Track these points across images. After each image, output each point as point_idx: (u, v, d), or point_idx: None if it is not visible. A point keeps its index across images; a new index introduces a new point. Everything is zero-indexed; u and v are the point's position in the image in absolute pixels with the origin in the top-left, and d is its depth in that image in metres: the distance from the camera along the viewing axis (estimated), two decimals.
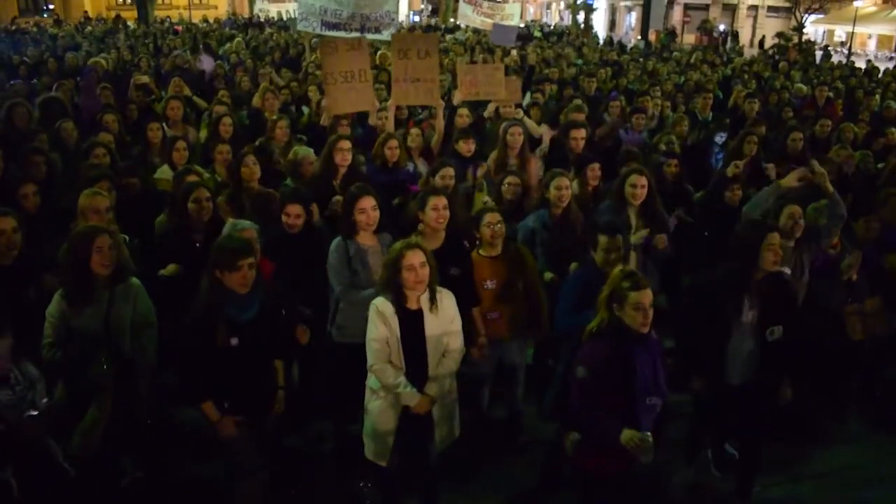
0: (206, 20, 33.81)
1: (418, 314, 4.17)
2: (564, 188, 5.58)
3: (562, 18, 52.92)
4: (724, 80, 14.64)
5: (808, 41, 35.91)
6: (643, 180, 5.59)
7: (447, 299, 4.28)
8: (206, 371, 4.09)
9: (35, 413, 3.42)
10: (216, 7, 48.24)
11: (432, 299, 4.17)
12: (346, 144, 6.18)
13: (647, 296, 3.79)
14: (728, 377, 4.63)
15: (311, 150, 6.66)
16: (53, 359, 4.14)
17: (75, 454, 3.86)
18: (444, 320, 4.23)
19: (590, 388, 3.84)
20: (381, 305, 4.14)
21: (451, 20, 34.93)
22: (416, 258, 4.06)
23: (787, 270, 5.22)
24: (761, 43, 39.71)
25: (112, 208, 5.03)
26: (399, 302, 4.13)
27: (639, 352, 3.83)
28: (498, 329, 5.09)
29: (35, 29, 28.95)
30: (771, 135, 8.60)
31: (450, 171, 6.01)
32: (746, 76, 15.15)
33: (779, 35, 35.91)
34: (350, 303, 4.79)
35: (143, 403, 4.45)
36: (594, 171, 6.39)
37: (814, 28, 42.80)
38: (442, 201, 4.95)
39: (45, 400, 3.51)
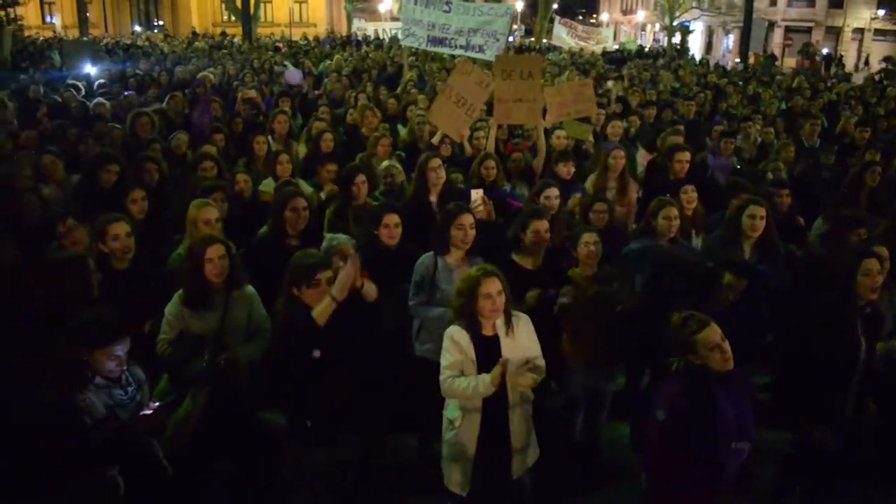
0: (305, 38, 34.92)
1: (494, 340, 4.10)
2: (674, 218, 5.40)
3: (657, 41, 52.14)
4: (829, 106, 14.05)
5: None
6: (762, 211, 5.33)
7: (524, 324, 4.20)
8: (294, 383, 4.12)
9: (148, 412, 3.56)
10: (315, 25, 49.97)
11: (508, 323, 4.11)
12: (437, 162, 6.22)
13: (715, 331, 3.61)
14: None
15: (395, 163, 6.73)
16: (165, 354, 4.31)
17: (165, 446, 3.99)
18: (520, 346, 4.13)
19: (669, 432, 3.66)
20: (457, 334, 4.08)
21: (545, 41, 34.88)
22: (493, 286, 3.99)
23: None
24: (867, 61, 37.92)
25: (221, 219, 5.22)
26: (474, 329, 4.08)
27: (721, 392, 3.61)
28: (588, 350, 4.96)
29: (146, 44, 30.62)
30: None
31: (554, 191, 5.95)
32: (853, 102, 14.50)
33: (886, 59, 34.22)
34: (422, 319, 4.88)
35: (242, 405, 4.49)
36: (688, 193, 6.11)
37: None
38: (543, 224, 4.95)
39: (155, 402, 3.64)
